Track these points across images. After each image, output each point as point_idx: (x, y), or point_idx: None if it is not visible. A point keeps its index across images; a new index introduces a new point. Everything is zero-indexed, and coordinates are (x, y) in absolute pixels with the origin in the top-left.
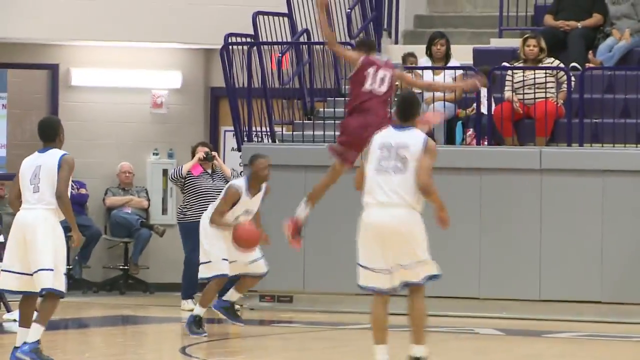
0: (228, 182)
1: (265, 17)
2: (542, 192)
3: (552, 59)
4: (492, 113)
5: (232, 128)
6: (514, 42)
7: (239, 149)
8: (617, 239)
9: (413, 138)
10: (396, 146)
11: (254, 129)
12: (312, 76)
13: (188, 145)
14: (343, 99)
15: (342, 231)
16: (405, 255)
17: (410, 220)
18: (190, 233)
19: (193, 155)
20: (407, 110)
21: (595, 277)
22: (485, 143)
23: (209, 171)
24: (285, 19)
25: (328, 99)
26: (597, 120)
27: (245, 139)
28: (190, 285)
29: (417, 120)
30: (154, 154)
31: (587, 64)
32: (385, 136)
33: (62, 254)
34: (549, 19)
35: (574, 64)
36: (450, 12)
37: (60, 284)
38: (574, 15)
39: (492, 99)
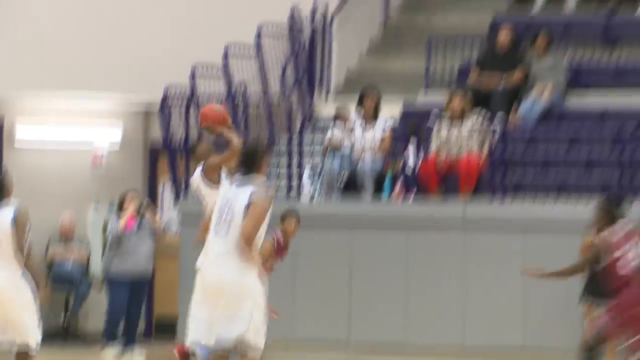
0: (156, 235)
1: (203, 68)
2: (466, 246)
3: (477, 115)
4: (419, 168)
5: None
6: (441, 98)
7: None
8: (538, 293)
9: (241, 198)
10: (227, 206)
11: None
12: (247, 129)
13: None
14: (276, 152)
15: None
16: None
17: (236, 278)
18: (112, 287)
19: (120, 206)
20: (246, 162)
21: (518, 330)
22: (412, 197)
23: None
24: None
25: None
26: (519, 175)
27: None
28: (112, 332)
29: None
30: (94, 208)
31: (509, 121)
32: (224, 196)
33: (29, 308)
34: (474, 74)
35: (495, 123)
36: (380, 68)
37: (31, 339)
38: (499, 69)
39: (422, 153)
